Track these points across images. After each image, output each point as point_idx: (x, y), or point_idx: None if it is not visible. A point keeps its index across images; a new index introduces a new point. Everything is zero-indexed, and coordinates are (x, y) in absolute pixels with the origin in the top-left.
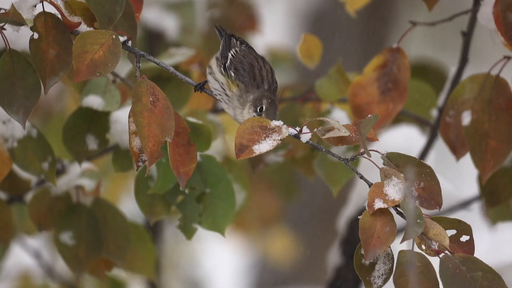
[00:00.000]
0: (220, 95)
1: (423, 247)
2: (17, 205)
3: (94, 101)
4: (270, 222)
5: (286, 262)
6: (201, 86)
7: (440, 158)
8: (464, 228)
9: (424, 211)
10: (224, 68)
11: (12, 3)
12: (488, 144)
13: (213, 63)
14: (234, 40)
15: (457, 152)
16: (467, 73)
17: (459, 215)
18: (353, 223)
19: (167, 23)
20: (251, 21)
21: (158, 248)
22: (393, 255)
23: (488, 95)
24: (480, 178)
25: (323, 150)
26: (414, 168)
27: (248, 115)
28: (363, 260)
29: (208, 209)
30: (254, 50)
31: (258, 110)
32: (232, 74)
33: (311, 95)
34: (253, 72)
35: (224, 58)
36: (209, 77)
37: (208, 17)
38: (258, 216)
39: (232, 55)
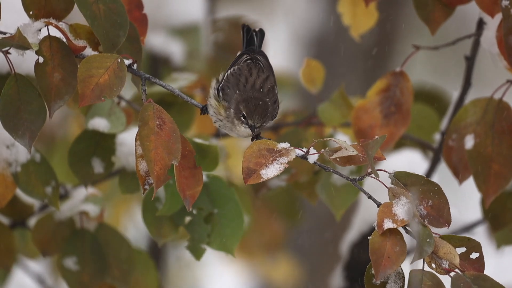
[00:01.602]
0: (219, 120)
1: (434, 266)
2: (19, 230)
3: (99, 123)
4: (273, 247)
5: (289, 286)
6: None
7: (442, 182)
8: (473, 245)
9: (433, 229)
10: (217, 90)
11: (18, 27)
12: (491, 167)
13: (212, 84)
14: (246, 55)
15: (459, 176)
16: (470, 97)
17: None
18: (356, 248)
19: (173, 48)
20: None
21: (161, 273)
22: (403, 274)
23: (491, 119)
24: (483, 202)
25: (331, 170)
26: (422, 187)
27: (243, 130)
28: (374, 280)
29: (216, 229)
30: (260, 62)
31: (242, 118)
32: (220, 94)
33: (314, 119)
34: (237, 80)
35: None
36: (207, 102)
37: (212, 41)
38: (261, 241)
39: (227, 75)
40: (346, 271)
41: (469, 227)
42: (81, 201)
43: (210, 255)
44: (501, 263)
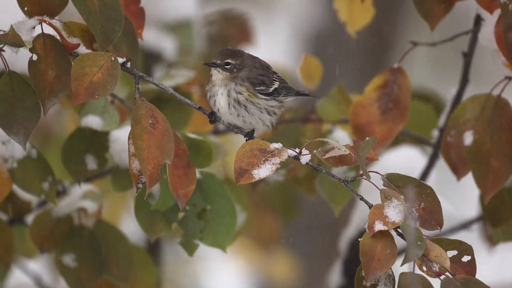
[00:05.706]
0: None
1: (424, 268)
2: (17, 227)
3: (93, 121)
4: (271, 243)
5: (288, 282)
6: (216, 116)
7: (441, 178)
8: (465, 248)
9: (425, 231)
10: (269, 94)
11: (11, 25)
12: (490, 164)
13: (252, 97)
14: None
15: (458, 172)
16: (468, 93)
17: (460, 236)
18: (355, 244)
19: (165, 44)
20: (245, 34)
21: (159, 270)
22: (394, 277)
23: (489, 115)
24: (482, 198)
25: (323, 171)
26: (415, 189)
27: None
28: (364, 282)
29: (209, 225)
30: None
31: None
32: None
33: (312, 115)
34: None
35: (265, 85)
36: (255, 110)
37: (205, 34)
38: (259, 237)
39: (275, 80)
40: (345, 266)
41: (467, 224)
42: (79, 197)
43: (209, 251)
44: (498, 259)
